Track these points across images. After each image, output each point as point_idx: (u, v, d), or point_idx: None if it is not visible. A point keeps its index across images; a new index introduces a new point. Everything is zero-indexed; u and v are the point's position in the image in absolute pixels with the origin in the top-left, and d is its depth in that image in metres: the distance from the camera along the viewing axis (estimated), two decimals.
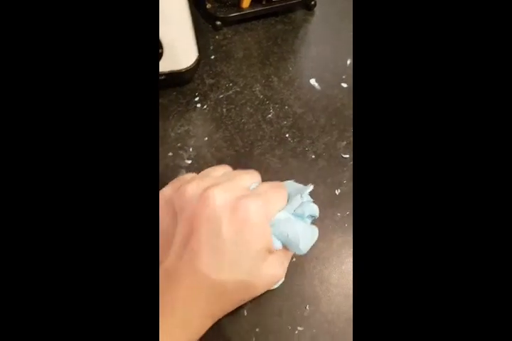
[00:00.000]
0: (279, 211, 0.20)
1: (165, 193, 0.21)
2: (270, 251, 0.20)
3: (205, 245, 0.18)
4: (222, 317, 0.21)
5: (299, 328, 0.23)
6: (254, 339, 0.23)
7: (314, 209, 0.21)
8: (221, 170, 0.23)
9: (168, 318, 0.17)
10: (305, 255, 0.25)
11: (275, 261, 0.20)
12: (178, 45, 0.32)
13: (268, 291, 0.25)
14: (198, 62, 0.35)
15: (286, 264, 0.22)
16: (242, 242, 0.18)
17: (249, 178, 0.22)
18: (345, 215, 0.28)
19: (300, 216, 0.21)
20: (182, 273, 0.18)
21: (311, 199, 0.22)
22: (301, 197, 0.21)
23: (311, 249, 0.26)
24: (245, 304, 0.24)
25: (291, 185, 0.23)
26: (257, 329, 0.23)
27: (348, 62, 0.39)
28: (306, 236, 0.20)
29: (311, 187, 0.22)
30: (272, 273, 0.20)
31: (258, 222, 0.19)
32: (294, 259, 0.26)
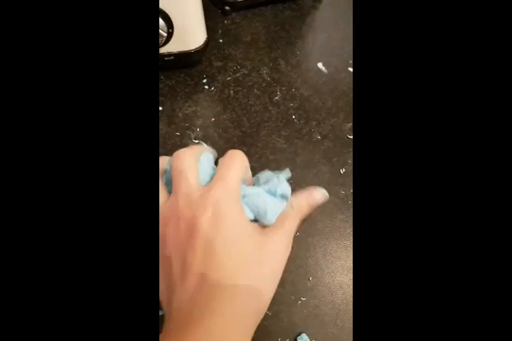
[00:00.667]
0: (245, 180, 0.20)
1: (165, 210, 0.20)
2: (260, 226, 0.19)
3: (198, 259, 0.17)
4: None
5: (302, 298, 0.24)
6: None
7: (286, 189, 0.21)
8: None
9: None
10: (310, 230, 0.26)
11: (277, 238, 0.20)
12: (188, 26, 0.33)
13: None
14: (206, 43, 0.35)
15: (290, 237, 0.21)
16: (224, 233, 0.18)
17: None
18: (349, 193, 0.28)
19: (272, 193, 0.21)
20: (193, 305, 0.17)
21: (287, 183, 0.22)
22: (278, 178, 0.21)
23: (315, 223, 0.27)
24: None
25: (266, 172, 0.23)
26: None
27: None
28: (273, 208, 0.20)
29: (288, 172, 0.22)
30: (276, 248, 0.19)
31: (229, 210, 0.18)
32: (297, 234, 0.26)
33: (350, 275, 0.25)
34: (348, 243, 0.26)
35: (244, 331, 0.17)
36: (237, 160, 0.21)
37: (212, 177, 0.20)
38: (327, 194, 0.22)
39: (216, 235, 0.17)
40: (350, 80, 0.36)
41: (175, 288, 0.17)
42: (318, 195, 0.21)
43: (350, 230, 0.27)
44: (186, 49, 0.34)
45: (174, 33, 0.32)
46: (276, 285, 0.19)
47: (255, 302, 0.18)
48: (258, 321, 0.18)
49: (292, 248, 0.26)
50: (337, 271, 0.25)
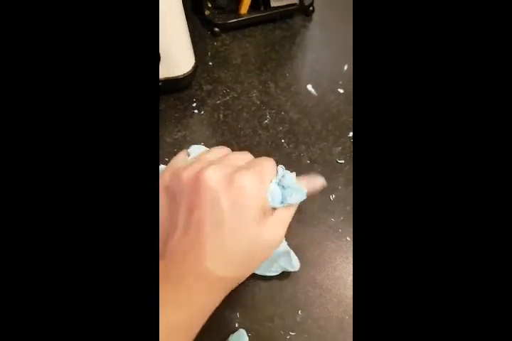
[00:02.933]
0: (272, 179, 0.22)
1: (162, 181, 0.23)
2: (266, 213, 0.21)
3: (206, 219, 0.19)
4: (214, 322, 0.21)
5: (291, 333, 0.23)
6: None
7: (292, 177, 0.23)
8: (215, 152, 0.24)
9: (172, 293, 0.18)
10: (299, 260, 0.26)
11: (274, 223, 0.21)
12: (175, 52, 0.33)
13: (260, 297, 0.25)
14: (195, 68, 0.35)
15: (286, 225, 0.22)
16: (238, 210, 0.19)
17: (241, 157, 0.23)
18: (339, 221, 0.28)
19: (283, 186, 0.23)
20: (188, 248, 0.19)
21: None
22: (283, 169, 0.23)
23: (304, 254, 0.27)
24: (238, 309, 0.24)
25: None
26: (250, 335, 0.23)
27: (345, 67, 0.40)
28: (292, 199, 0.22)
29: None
30: (273, 237, 0.21)
31: (252, 190, 0.20)
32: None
33: (342, 308, 0.24)
34: (338, 274, 0.26)
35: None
36: (272, 163, 0.23)
37: None
38: (325, 182, 0.24)
39: (230, 215, 0.19)
40: (339, 102, 0.36)
41: (174, 233, 0.20)
42: (318, 182, 0.24)
43: (340, 260, 0.26)
44: (174, 75, 0.34)
45: (161, 59, 0.32)
46: (255, 265, 0.21)
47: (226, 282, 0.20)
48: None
49: (279, 280, 0.25)
50: (327, 304, 0.24)
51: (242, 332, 0.24)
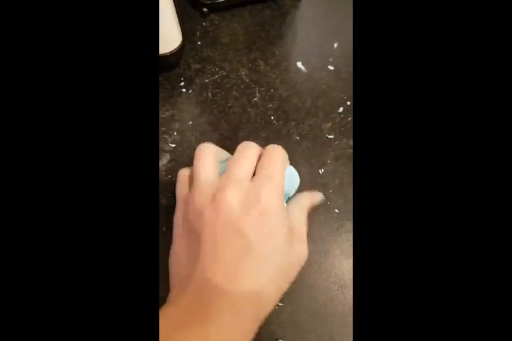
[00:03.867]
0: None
1: (177, 211, 0.21)
2: (292, 231, 0.20)
3: (230, 252, 0.18)
4: None
5: (280, 304, 0.23)
6: None
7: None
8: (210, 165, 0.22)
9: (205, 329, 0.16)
10: None
11: (299, 242, 0.21)
12: (162, 29, 0.32)
13: None
14: (182, 46, 0.35)
15: (306, 237, 0.22)
16: (267, 234, 0.18)
17: (248, 163, 0.21)
18: (328, 193, 0.28)
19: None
20: (220, 278, 0.18)
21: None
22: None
23: None
24: None
25: None
26: None
27: (335, 45, 0.39)
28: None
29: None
30: (301, 254, 0.21)
31: (277, 209, 0.19)
32: None
33: (330, 279, 0.24)
34: (328, 245, 0.26)
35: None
36: (281, 156, 0.22)
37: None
38: (324, 198, 0.26)
39: (257, 241, 0.18)
40: (329, 79, 0.36)
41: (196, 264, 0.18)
42: (318, 197, 0.25)
43: (328, 233, 0.26)
44: (161, 52, 0.33)
45: None
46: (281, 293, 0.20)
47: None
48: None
49: None
50: (315, 275, 0.24)
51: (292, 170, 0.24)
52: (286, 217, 0.20)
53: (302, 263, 0.21)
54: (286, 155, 0.23)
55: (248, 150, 0.22)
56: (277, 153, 0.22)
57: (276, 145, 0.23)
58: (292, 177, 0.24)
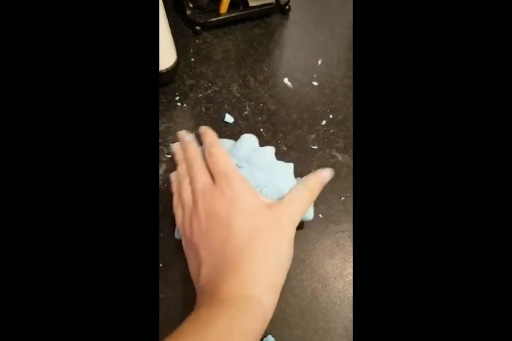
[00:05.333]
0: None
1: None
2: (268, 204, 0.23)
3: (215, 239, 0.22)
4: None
5: None
6: None
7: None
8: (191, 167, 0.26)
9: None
10: None
11: (284, 217, 0.23)
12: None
13: None
14: (177, 63, 0.37)
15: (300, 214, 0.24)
16: (239, 213, 0.22)
17: (201, 172, 0.25)
18: None
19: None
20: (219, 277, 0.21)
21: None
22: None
23: None
24: None
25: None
26: None
27: (319, 62, 0.42)
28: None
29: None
30: (283, 226, 0.23)
31: (240, 192, 0.23)
32: None
33: (314, 278, 0.27)
34: (311, 247, 0.28)
35: (269, 283, 0.21)
36: (211, 137, 0.27)
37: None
38: (333, 172, 0.26)
39: (231, 214, 0.22)
40: (313, 94, 0.39)
41: (202, 262, 0.21)
42: (326, 173, 0.26)
43: (313, 235, 0.28)
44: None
45: None
46: (287, 262, 0.22)
47: (275, 261, 0.21)
48: (283, 277, 0.22)
49: None
50: (300, 274, 0.27)
51: None
52: (252, 193, 0.23)
53: (290, 234, 0.23)
54: (215, 137, 0.27)
55: (190, 153, 0.27)
56: (212, 145, 0.26)
57: (207, 134, 0.28)
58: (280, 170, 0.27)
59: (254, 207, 0.22)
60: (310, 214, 0.27)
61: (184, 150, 0.27)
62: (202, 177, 0.25)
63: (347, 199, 0.31)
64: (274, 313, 0.25)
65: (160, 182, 0.31)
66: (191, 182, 0.25)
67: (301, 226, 0.28)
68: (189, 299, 0.22)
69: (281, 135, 0.35)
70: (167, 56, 0.36)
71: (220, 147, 0.26)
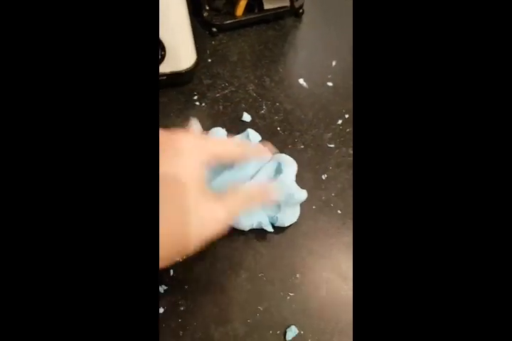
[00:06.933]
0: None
1: None
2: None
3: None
4: (222, 286, 0.23)
5: (291, 294, 0.26)
6: (251, 305, 0.26)
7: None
8: None
9: None
10: (295, 232, 0.29)
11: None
12: (179, 48, 0.36)
13: (262, 262, 0.27)
14: (196, 64, 0.38)
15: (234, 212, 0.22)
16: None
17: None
18: (330, 196, 0.31)
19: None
20: None
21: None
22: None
23: (300, 225, 0.30)
24: (242, 273, 0.27)
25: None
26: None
27: (334, 63, 0.43)
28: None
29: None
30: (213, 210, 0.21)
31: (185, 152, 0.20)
32: (286, 235, 0.29)
33: (334, 271, 0.27)
34: (332, 241, 0.29)
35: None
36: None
37: None
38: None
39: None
40: (328, 94, 0.39)
41: None
42: (276, 196, 0.26)
43: (332, 230, 0.29)
44: (178, 69, 0.37)
45: (166, 55, 0.35)
46: (198, 242, 0.20)
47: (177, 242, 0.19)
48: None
49: (280, 248, 0.28)
50: (321, 268, 0.27)
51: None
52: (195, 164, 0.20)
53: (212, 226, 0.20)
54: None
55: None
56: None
57: None
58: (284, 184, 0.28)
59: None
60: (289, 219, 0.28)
61: None
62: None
63: None
64: (296, 306, 0.26)
65: None
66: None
67: None
68: None
69: (298, 134, 0.36)
70: (187, 56, 0.37)
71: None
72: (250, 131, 0.33)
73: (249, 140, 0.32)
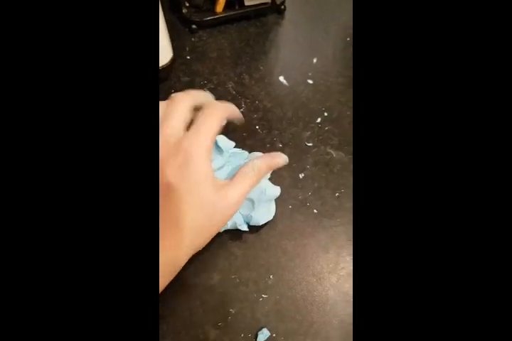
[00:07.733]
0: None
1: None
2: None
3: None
4: (194, 289, 0.23)
5: (264, 295, 0.26)
6: (223, 308, 0.25)
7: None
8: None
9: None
10: (270, 231, 0.28)
11: (230, 187, 0.23)
12: None
13: (237, 263, 0.27)
14: (172, 61, 0.37)
15: (243, 194, 0.23)
16: (188, 180, 0.21)
17: (177, 121, 0.23)
18: (306, 196, 0.31)
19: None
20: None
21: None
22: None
23: (275, 224, 0.29)
24: (215, 275, 0.26)
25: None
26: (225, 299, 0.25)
27: (315, 60, 0.43)
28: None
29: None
30: (229, 199, 0.22)
31: (197, 156, 0.21)
32: (259, 235, 0.28)
33: (309, 272, 0.27)
34: (306, 241, 0.28)
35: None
36: (218, 112, 0.24)
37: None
38: (287, 159, 0.26)
39: (179, 184, 0.21)
40: (308, 92, 0.39)
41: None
42: (280, 159, 0.25)
43: (308, 230, 0.29)
44: None
45: None
46: (216, 230, 0.23)
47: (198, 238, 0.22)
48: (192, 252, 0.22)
49: (255, 248, 0.28)
50: (296, 268, 0.27)
51: None
52: (207, 164, 0.22)
53: (232, 209, 0.23)
54: (225, 114, 0.24)
55: (178, 105, 0.24)
56: (212, 111, 0.24)
57: (215, 104, 0.25)
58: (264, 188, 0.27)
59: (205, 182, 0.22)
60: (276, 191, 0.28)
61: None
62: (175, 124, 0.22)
63: (341, 195, 0.31)
64: (270, 307, 0.25)
65: None
66: (161, 123, 0.22)
67: None
68: None
69: (276, 132, 0.35)
70: (163, 53, 0.36)
71: (219, 121, 0.24)
72: (221, 139, 0.30)
73: (220, 147, 0.29)
